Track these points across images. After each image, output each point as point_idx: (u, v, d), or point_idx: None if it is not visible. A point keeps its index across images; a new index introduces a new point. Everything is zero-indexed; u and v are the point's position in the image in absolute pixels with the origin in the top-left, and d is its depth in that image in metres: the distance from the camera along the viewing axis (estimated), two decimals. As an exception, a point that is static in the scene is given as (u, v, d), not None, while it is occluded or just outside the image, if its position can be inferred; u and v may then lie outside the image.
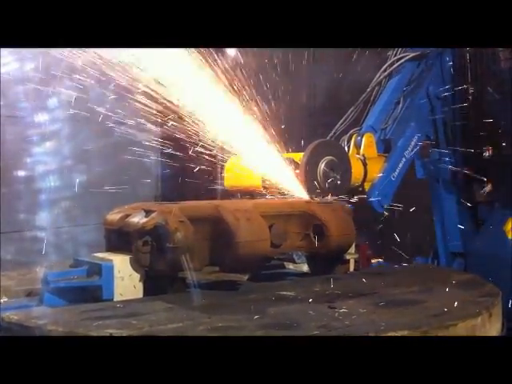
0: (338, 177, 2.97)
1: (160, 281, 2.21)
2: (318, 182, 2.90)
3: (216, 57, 2.75)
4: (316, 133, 3.48)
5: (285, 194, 2.85)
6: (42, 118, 4.36)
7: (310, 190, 2.85)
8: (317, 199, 2.75)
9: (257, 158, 2.87)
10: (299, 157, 2.93)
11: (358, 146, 3.41)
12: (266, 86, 3.50)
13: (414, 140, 3.61)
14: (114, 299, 2.11)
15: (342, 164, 3.02)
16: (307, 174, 2.88)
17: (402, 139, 3.56)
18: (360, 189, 3.35)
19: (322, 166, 2.92)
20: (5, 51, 3.85)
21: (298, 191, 2.85)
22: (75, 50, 2.46)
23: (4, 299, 2.19)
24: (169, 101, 2.66)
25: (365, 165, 3.34)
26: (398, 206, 3.38)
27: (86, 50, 2.45)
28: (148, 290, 2.19)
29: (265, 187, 2.93)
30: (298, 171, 2.89)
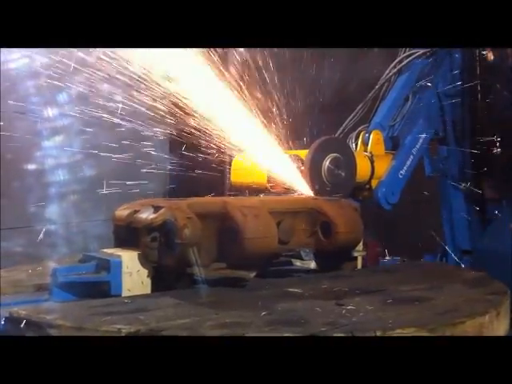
0: (343, 174, 2.97)
1: (168, 277, 2.22)
2: (322, 179, 2.90)
3: (222, 54, 2.75)
4: (324, 130, 3.48)
5: (290, 191, 2.86)
6: (50, 113, 4.37)
7: (315, 187, 2.85)
8: (323, 196, 2.75)
9: (263, 155, 2.87)
10: (305, 154, 2.93)
11: (365, 143, 3.40)
12: (273, 82, 3.49)
13: (423, 137, 3.60)
14: (122, 295, 2.12)
15: (347, 161, 3.02)
16: (312, 171, 2.88)
17: (409, 136, 3.55)
18: (367, 186, 3.34)
19: (326, 163, 2.92)
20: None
21: (303, 188, 2.85)
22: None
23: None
24: (177, 98, 2.66)
25: (372, 162, 3.33)
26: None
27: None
28: (156, 286, 2.20)
29: (270, 184, 2.94)
30: (302, 168, 2.89)
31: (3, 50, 3.47)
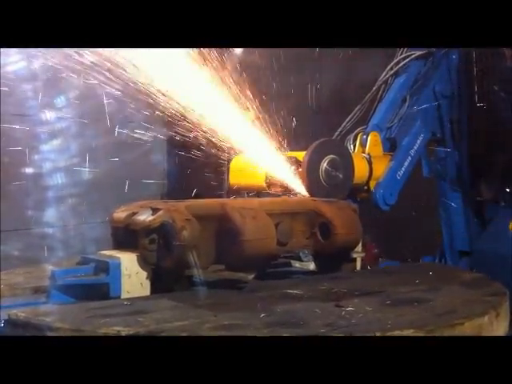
0: (341, 176, 2.98)
1: (166, 279, 2.21)
2: (320, 181, 2.90)
3: (220, 55, 2.75)
4: (321, 131, 3.48)
5: (288, 193, 2.86)
6: (48, 116, 4.37)
7: (313, 188, 2.86)
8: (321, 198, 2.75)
9: (261, 157, 2.87)
10: (302, 155, 2.93)
11: (363, 144, 3.41)
12: (271, 84, 3.50)
13: (420, 139, 3.61)
14: (121, 297, 2.11)
15: (344, 163, 3.02)
16: (309, 173, 2.88)
17: (407, 138, 3.56)
18: (365, 187, 3.35)
19: (324, 164, 2.93)
20: (11, 50, 3.86)
21: (300, 190, 2.85)
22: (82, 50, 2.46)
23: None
24: (173, 100, 2.66)
25: (370, 163, 3.34)
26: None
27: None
28: (155, 288, 2.19)
29: (268, 186, 2.94)
30: (300, 170, 2.90)
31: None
